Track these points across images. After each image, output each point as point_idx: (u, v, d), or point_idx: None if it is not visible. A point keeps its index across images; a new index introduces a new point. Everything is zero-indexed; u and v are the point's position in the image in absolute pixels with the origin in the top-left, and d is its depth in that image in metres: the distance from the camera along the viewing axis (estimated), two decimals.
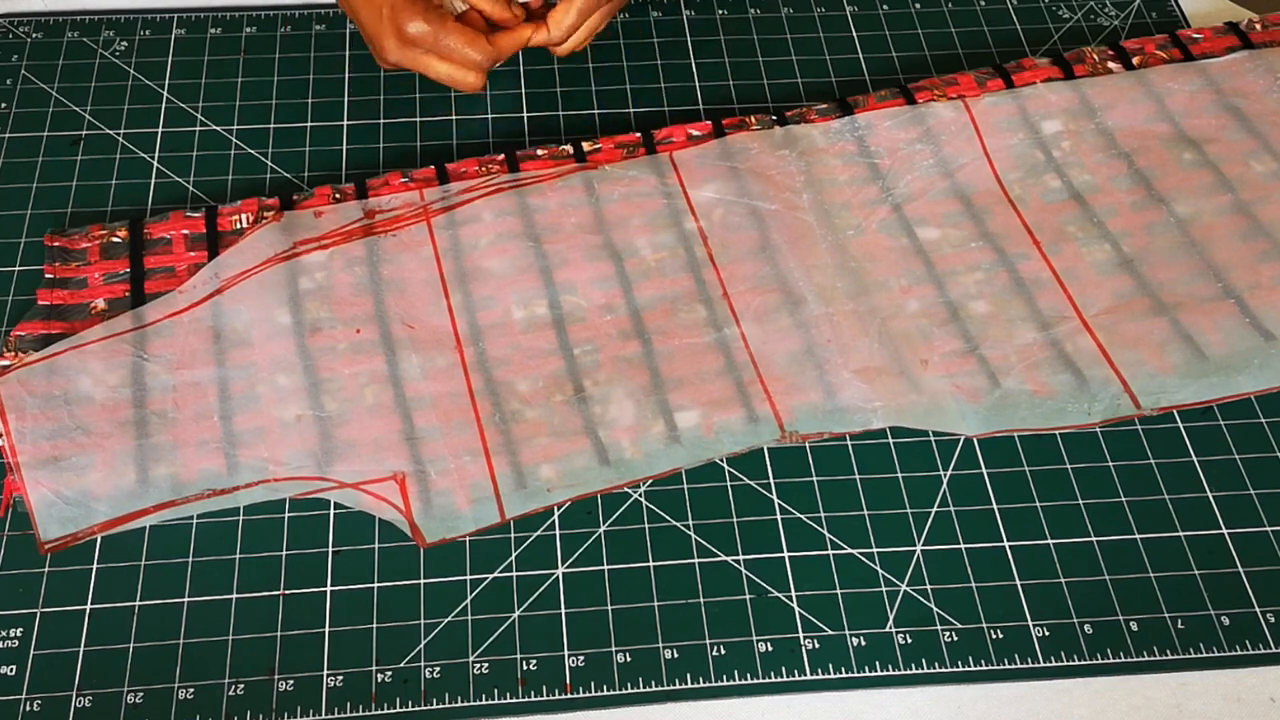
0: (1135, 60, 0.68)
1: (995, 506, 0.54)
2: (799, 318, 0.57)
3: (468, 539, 0.52)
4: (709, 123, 0.65)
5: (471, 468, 0.53)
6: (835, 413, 0.55)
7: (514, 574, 0.52)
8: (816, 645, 0.50)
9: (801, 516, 0.53)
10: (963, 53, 0.72)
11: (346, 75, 0.70)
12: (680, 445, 0.54)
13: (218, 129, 0.67)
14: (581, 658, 0.49)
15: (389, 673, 0.49)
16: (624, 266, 0.59)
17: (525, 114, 0.68)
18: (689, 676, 0.49)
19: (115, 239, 0.60)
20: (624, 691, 0.49)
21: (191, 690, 0.48)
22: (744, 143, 0.64)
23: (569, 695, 0.48)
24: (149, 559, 0.51)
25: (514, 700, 0.48)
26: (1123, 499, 0.54)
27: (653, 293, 0.59)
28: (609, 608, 0.51)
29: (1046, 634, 0.50)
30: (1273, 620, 0.51)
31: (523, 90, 0.69)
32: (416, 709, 0.48)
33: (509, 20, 0.63)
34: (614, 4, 0.65)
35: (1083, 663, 0.50)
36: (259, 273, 0.58)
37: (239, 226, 0.60)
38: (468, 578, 0.51)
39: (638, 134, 0.65)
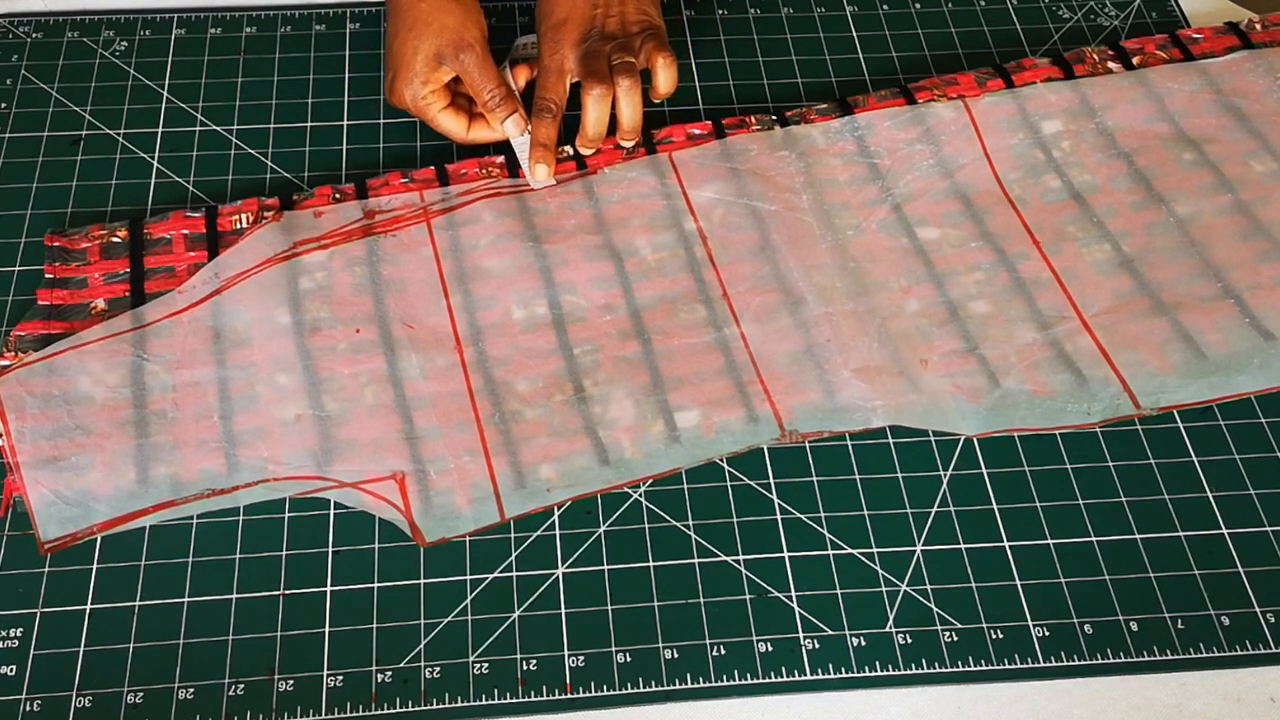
0: (1135, 60, 0.68)
1: (995, 506, 0.54)
2: (799, 317, 0.57)
3: (468, 539, 0.52)
4: (709, 123, 0.65)
5: (471, 467, 0.53)
6: (835, 412, 0.55)
7: (514, 574, 0.52)
8: (816, 645, 0.50)
9: (801, 516, 0.53)
10: (963, 53, 0.72)
11: (346, 75, 0.70)
12: (680, 445, 0.54)
13: (218, 129, 0.67)
14: (581, 658, 0.49)
15: (389, 673, 0.49)
16: (624, 266, 0.59)
17: None
18: (689, 676, 0.49)
19: (115, 239, 0.60)
20: (624, 691, 0.49)
21: (191, 690, 0.48)
22: (744, 143, 0.64)
23: (569, 695, 0.48)
24: (149, 559, 0.51)
25: (514, 700, 0.48)
26: (1123, 499, 0.54)
27: (653, 293, 0.59)
28: (609, 608, 0.51)
29: (1046, 634, 0.50)
30: (1273, 620, 0.51)
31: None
32: (416, 709, 0.48)
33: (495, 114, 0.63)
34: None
35: (1083, 663, 0.50)
36: (259, 273, 0.58)
37: (239, 226, 0.60)
38: (468, 578, 0.51)
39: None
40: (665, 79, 0.63)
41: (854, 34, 0.73)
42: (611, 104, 0.62)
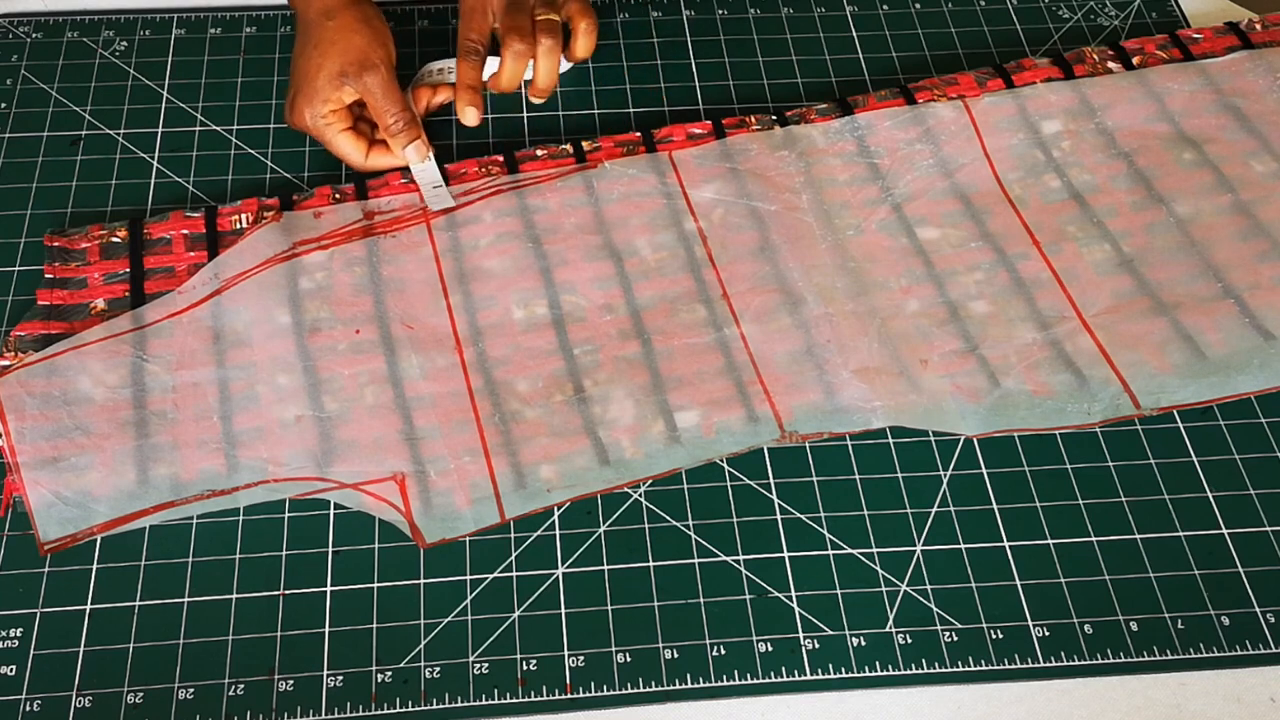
0: (1135, 60, 0.68)
1: (995, 506, 0.54)
2: (798, 318, 0.57)
3: (468, 539, 0.52)
4: (709, 122, 0.65)
5: (471, 468, 0.53)
6: (835, 413, 0.55)
7: (514, 574, 0.51)
8: (816, 645, 0.50)
9: (801, 516, 0.53)
10: (963, 53, 0.72)
11: None
12: (680, 445, 0.54)
13: (218, 129, 0.67)
14: (581, 658, 0.49)
15: (389, 673, 0.49)
16: (624, 266, 0.59)
17: (525, 114, 0.68)
18: (689, 676, 0.49)
19: (115, 239, 0.60)
20: (624, 691, 0.49)
21: (191, 690, 0.48)
22: (744, 143, 0.64)
23: (569, 695, 0.48)
24: (149, 559, 0.51)
25: (514, 700, 0.48)
26: (1123, 499, 0.54)
27: (653, 293, 0.59)
28: (609, 608, 0.51)
29: (1046, 634, 0.50)
30: (1273, 620, 0.51)
31: (523, 90, 0.69)
32: (416, 709, 0.48)
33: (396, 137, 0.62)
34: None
35: (1083, 663, 0.50)
36: (259, 273, 0.58)
37: (239, 226, 0.60)
38: (468, 578, 0.51)
39: (638, 133, 0.65)
40: (584, 44, 0.63)
41: (854, 34, 0.73)
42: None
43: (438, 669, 0.49)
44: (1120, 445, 0.56)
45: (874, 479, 0.55)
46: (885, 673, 0.49)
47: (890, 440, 0.56)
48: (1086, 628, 0.50)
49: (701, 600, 0.51)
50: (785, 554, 0.52)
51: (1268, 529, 0.53)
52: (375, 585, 0.51)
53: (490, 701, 0.48)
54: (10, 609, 0.50)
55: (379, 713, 0.48)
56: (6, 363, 0.55)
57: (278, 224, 0.60)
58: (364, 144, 0.63)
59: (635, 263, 0.60)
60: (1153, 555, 0.52)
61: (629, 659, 0.49)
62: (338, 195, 0.62)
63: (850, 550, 0.52)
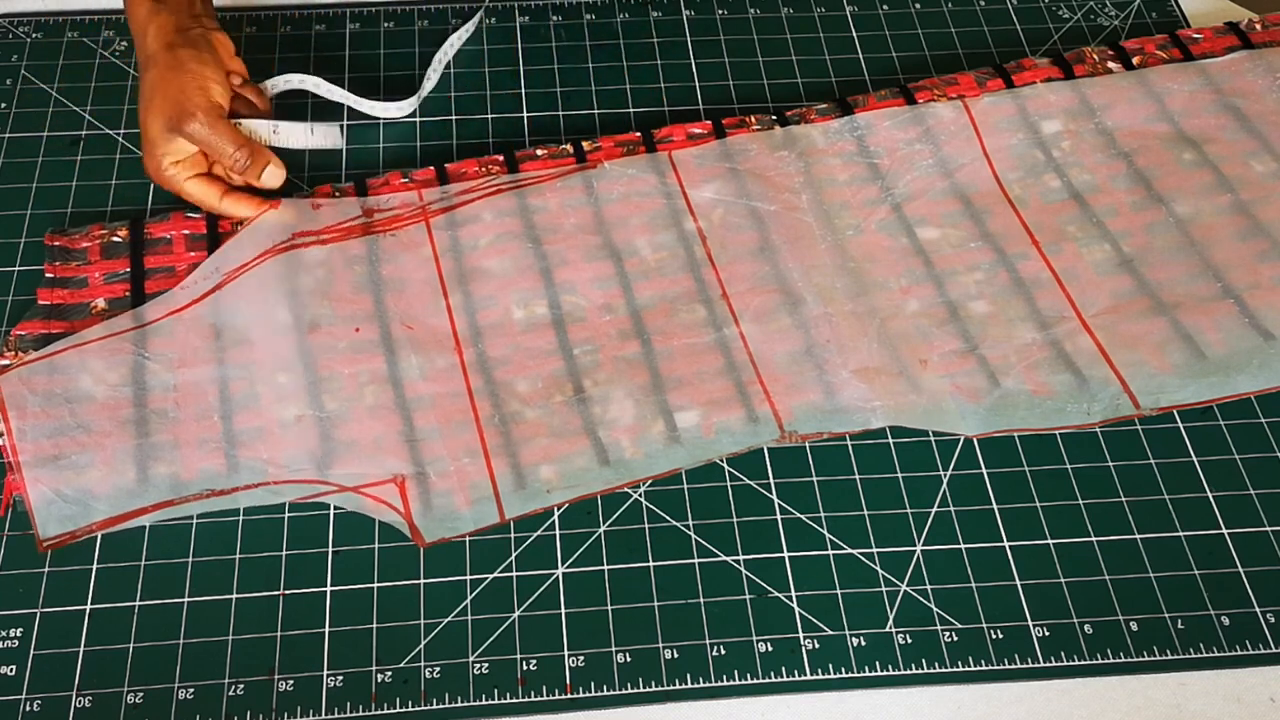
0: (1135, 60, 0.68)
1: (995, 506, 0.54)
2: (798, 318, 0.57)
3: (467, 539, 0.52)
4: (709, 122, 0.65)
5: (471, 468, 0.53)
6: (835, 413, 0.55)
7: (514, 574, 0.51)
8: (816, 645, 0.50)
9: (801, 516, 0.53)
10: (963, 53, 0.72)
11: (346, 75, 0.70)
12: (680, 445, 0.54)
13: None
14: (581, 658, 0.49)
15: (389, 673, 0.49)
16: (624, 266, 0.59)
17: (525, 114, 0.68)
18: (689, 676, 0.49)
19: (115, 239, 0.60)
20: (624, 691, 0.49)
21: (191, 690, 0.48)
22: (744, 143, 0.64)
23: (569, 695, 0.48)
24: (149, 559, 0.51)
25: (514, 700, 0.48)
26: (1123, 499, 0.54)
27: (652, 293, 0.59)
28: (609, 608, 0.51)
29: (1046, 634, 0.50)
30: (1273, 620, 0.51)
31: (523, 90, 0.69)
32: (416, 709, 0.48)
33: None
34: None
35: (1083, 663, 0.50)
36: (258, 268, 0.58)
37: (239, 227, 0.60)
38: (468, 578, 0.51)
39: (638, 133, 0.65)
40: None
41: (854, 34, 0.73)
42: None
43: (438, 669, 0.49)
44: (1120, 445, 0.56)
45: (874, 479, 0.55)
46: (885, 673, 0.49)
47: (890, 440, 0.56)
48: (1086, 628, 0.50)
49: (701, 600, 0.51)
50: (785, 554, 0.52)
51: (1268, 529, 0.53)
52: (375, 585, 0.51)
53: (490, 701, 0.48)
54: (10, 609, 0.50)
55: (379, 713, 0.48)
56: (7, 362, 0.55)
57: (275, 212, 0.60)
58: (218, 188, 0.60)
59: (635, 263, 0.60)
60: (1153, 555, 0.52)
61: (629, 659, 0.49)
62: (338, 194, 0.62)
63: (850, 550, 0.52)
